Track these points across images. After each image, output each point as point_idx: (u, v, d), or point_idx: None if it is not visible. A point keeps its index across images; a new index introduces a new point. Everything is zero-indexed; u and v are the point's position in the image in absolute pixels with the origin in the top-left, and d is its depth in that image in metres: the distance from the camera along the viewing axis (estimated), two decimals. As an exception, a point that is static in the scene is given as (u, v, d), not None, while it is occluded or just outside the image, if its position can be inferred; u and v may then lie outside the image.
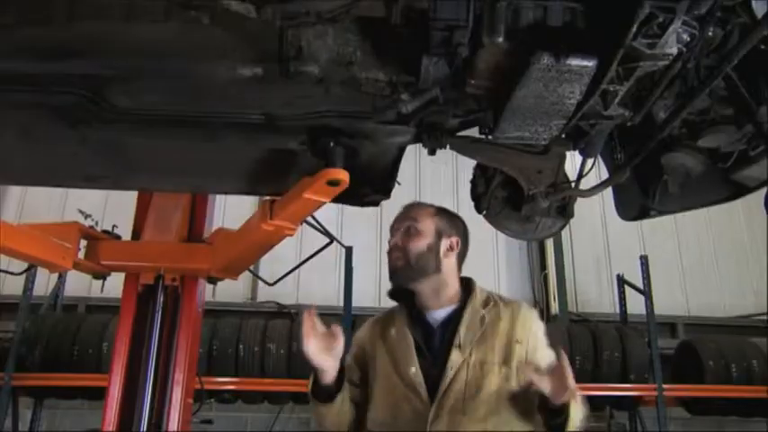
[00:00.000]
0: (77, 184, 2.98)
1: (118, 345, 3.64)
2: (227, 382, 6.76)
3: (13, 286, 7.67)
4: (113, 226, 3.80)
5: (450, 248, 2.18)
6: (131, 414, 3.59)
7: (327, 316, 7.75)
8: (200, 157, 2.66)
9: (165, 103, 2.30)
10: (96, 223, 3.81)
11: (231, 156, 2.63)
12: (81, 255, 3.50)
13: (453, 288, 2.17)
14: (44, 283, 7.24)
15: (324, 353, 2.00)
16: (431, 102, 2.22)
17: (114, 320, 6.56)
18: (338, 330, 2.04)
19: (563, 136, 2.32)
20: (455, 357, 2.02)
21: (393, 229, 2.25)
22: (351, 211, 3.07)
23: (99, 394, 6.62)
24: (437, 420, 1.96)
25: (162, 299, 3.66)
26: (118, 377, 3.58)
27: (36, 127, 2.42)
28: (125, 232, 3.84)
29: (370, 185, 2.84)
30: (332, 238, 4.75)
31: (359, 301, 7.51)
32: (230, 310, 8.17)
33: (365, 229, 8.59)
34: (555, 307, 9.95)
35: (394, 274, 2.20)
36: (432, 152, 2.48)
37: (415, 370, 2.04)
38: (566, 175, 2.78)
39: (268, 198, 2.97)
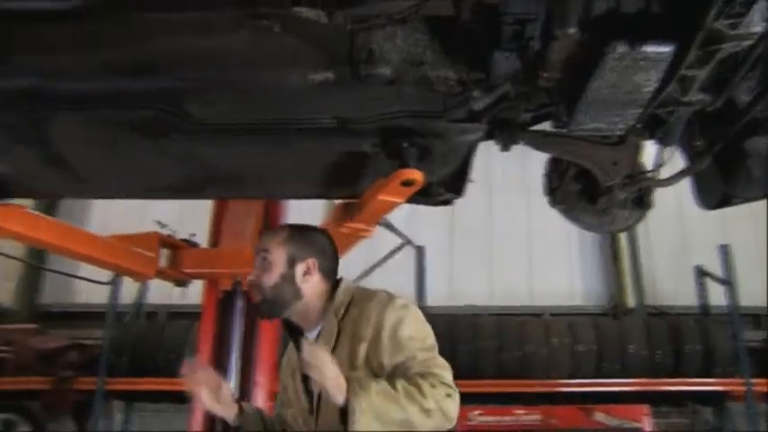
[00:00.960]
0: (159, 195, 3.08)
1: (201, 349, 3.75)
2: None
3: (99, 295, 8.02)
4: (191, 234, 3.91)
5: (307, 272, 2.09)
6: (214, 416, 3.69)
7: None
8: (275, 163, 2.70)
9: (238, 112, 2.35)
10: (174, 233, 3.94)
11: (304, 161, 2.67)
12: (163, 263, 3.62)
13: (317, 312, 2.09)
14: (128, 291, 7.49)
15: (215, 400, 2.00)
16: (502, 97, 2.20)
17: (195, 326, 6.77)
18: (216, 377, 2.04)
19: (639, 125, 2.26)
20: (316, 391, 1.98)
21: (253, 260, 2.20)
22: (420, 209, 3.08)
23: (184, 398, 6.86)
24: None
25: (241, 304, 3.76)
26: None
27: (120, 142, 2.51)
28: (201, 240, 3.95)
29: (442, 184, 2.83)
30: (406, 240, 4.77)
31: (431, 300, 7.52)
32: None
33: (435, 228, 8.59)
34: (631, 300, 9.73)
35: (256, 310, 2.19)
36: (504, 148, 2.46)
37: (303, 396, 2.04)
38: (642, 166, 2.72)
39: (342, 201, 3.00)
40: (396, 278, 8.57)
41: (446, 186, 2.89)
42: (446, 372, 1.90)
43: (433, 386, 1.81)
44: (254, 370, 3.72)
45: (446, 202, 3.02)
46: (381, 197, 2.55)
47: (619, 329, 7.70)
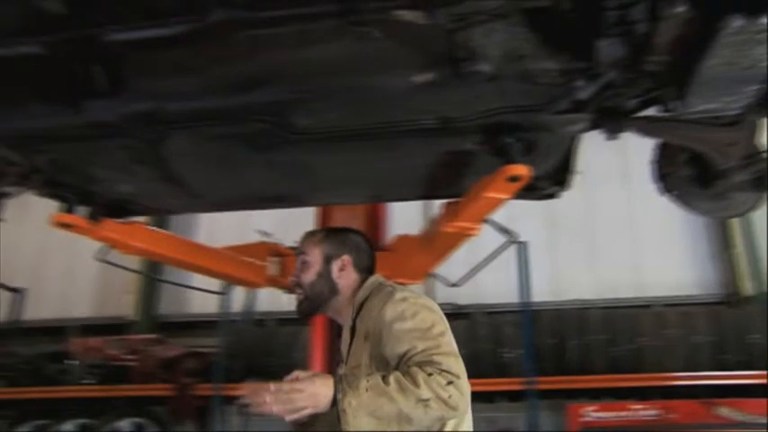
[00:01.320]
0: (266, 205, 3.18)
1: (314, 354, 3.84)
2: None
3: (212, 305, 8.36)
4: (296, 241, 3.99)
5: (342, 268, 2.22)
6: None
7: (503, 314, 7.76)
8: (379, 167, 2.74)
9: (342, 119, 2.39)
10: (280, 242, 4.04)
11: (408, 163, 2.69)
12: (272, 271, 3.72)
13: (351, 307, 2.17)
14: (238, 300, 7.75)
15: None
16: (607, 85, 2.14)
17: (303, 332, 6.94)
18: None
19: (757, 102, 2.15)
20: (341, 370, 2.09)
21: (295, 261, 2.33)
22: (520, 204, 3.04)
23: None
24: None
25: (351, 308, 3.82)
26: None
27: (230, 156, 2.61)
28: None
29: (547, 178, 2.79)
30: (512, 238, 4.71)
31: (536, 296, 7.40)
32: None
33: (533, 223, 8.44)
34: (748, 288, 9.24)
35: (298, 308, 2.27)
36: (611, 137, 2.39)
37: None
38: (761, 145, 2.58)
39: (447, 200, 3.00)
40: (497, 275, 8.50)
41: (551, 180, 2.85)
42: (449, 358, 1.81)
43: (429, 374, 1.74)
44: (367, 372, 3.77)
45: (551, 196, 2.97)
46: (487, 194, 2.54)
47: (738, 319, 7.32)
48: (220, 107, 2.30)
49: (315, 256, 2.26)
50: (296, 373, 1.85)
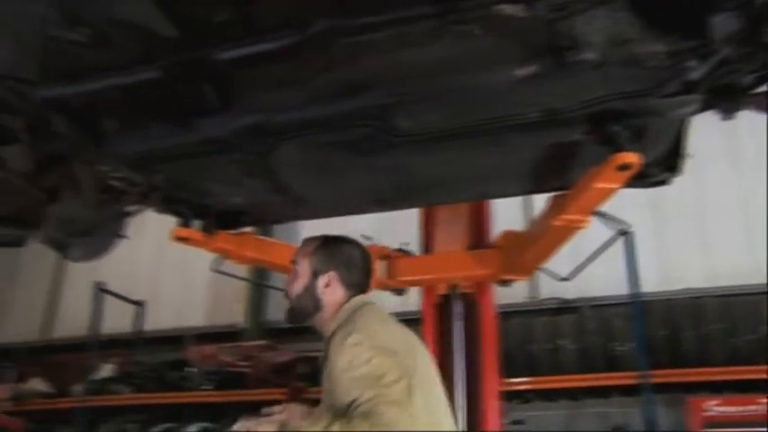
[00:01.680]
0: (369, 209, 3.22)
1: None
2: (522, 382, 6.82)
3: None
4: (403, 243, 4.04)
5: (328, 285, 2.18)
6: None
7: (612, 306, 7.48)
8: (483, 164, 2.73)
9: (444, 119, 2.39)
10: (386, 246, 4.08)
11: (513, 158, 2.66)
12: (381, 274, 3.77)
13: (336, 324, 2.11)
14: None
15: None
16: (721, 63, 2.05)
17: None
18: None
19: None
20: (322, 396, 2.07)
21: None
22: (624, 192, 2.94)
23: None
24: None
25: (459, 308, 3.82)
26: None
27: (334, 163, 2.67)
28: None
29: (657, 164, 2.70)
30: (622, 229, 4.56)
31: (645, 286, 7.13)
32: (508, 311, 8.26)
33: (641, 211, 8.15)
34: None
35: (285, 317, 2.28)
36: (726, 117, 2.29)
37: None
38: None
39: (554, 194, 2.96)
40: (603, 267, 8.24)
41: (661, 166, 2.75)
42: (394, 410, 1.77)
43: (372, 426, 1.73)
44: (480, 373, 3.76)
45: (661, 183, 2.87)
46: (597, 185, 2.48)
47: None
48: (324, 115, 2.35)
49: (304, 267, 2.25)
50: (264, 410, 2.02)
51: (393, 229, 6.25)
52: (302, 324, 2.27)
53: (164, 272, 9.92)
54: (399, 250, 3.95)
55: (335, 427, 1.75)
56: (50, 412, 8.11)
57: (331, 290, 2.21)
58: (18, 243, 3.57)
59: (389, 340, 2.00)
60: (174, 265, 9.84)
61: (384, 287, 3.81)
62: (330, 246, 2.30)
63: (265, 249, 3.27)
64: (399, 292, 4.01)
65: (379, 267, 3.72)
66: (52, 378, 8.89)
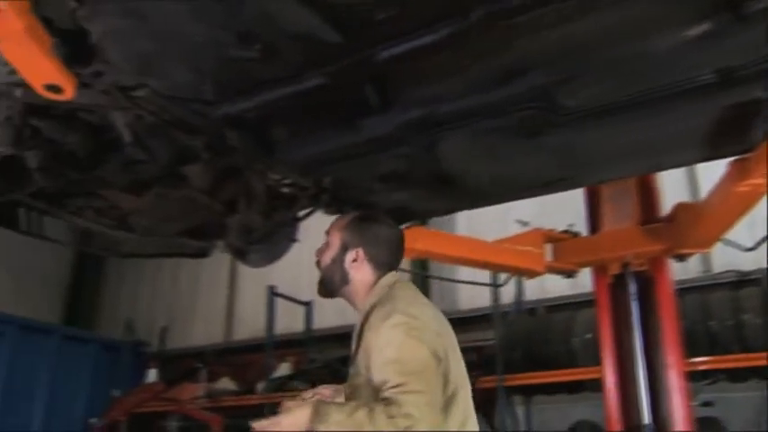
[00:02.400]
0: (537, 192, 3.16)
1: (603, 338, 3.73)
2: (705, 362, 6.41)
3: (480, 300, 8.54)
4: (569, 225, 3.94)
5: (355, 260, 2.23)
6: (627, 403, 3.65)
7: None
8: (653, 135, 2.59)
9: (611, 92, 2.30)
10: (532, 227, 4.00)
11: (686, 125, 2.51)
12: (549, 257, 3.70)
13: (364, 299, 2.21)
14: (505, 291, 7.80)
15: None
16: None
17: (578, 316, 6.80)
18: None
19: None
20: (350, 370, 2.13)
21: None
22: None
23: (577, 388, 6.94)
24: None
25: (634, 286, 3.66)
26: (610, 369, 3.66)
27: (499, 149, 2.64)
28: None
29: None
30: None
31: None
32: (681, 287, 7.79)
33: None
34: None
35: (318, 290, 2.35)
36: None
37: None
38: None
39: (733, 158, 2.76)
40: None
41: None
42: (416, 399, 1.84)
43: (390, 417, 1.81)
44: (662, 351, 3.58)
45: None
46: (787, 144, 2.28)
47: None
48: (487, 101, 2.33)
49: (335, 240, 2.32)
50: (285, 404, 2.04)
51: (555, 213, 6.15)
52: (332, 296, 2.34)
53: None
54: (566, 232, 3.85)
55: (360, 413, 1.84)
56: (239, 408, 8.66)
57: (357, 265, 2.26)
58: (203, 254, 3.84)
59: (426, 325, 2.05)
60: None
61: (553, 270, 3.73)
62: (362, 223, 2.35)
63: (436, 241, 3.30)
64: (569, 274, 3.91)
65: (546, 251, 3.65)
66: (237, 377, 9.53)
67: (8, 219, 3.64)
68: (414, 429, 1.81)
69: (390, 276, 2.27)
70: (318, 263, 2.35)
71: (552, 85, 2.26)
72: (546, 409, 8.31)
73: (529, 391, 7.52)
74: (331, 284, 2.31)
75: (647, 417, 3.53)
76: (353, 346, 2.17)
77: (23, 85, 2.12)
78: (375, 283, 2.24)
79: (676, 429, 3.45)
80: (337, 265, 2.28)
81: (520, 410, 7.78)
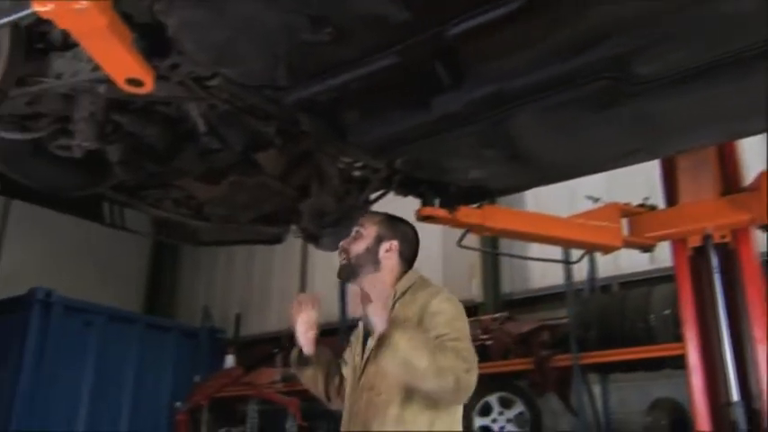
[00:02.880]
0: (612, 165, 3.09)
1: (684, 313, 3.64)
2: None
3: (552, 278, 8.44)
4: (645, 198, 3.84)
5: (389, 250, 2.51)
6: (713, 380, 3.55)
7: None
8: (733, 100, 2.50)
9: (689, 57, 2.22)
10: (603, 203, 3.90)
11: None
12: (626, 232, 3.62)
13: (388, 283, 2.46)
14: (577, 269, 7.66)
15: (304, 335, 2.54)
16: None
17: (654, 292, 6.63)
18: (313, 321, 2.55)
19: None
20: (370, 344, 2.38)
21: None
22: None
23: (656, 365, 6.78)
24: (359, 396, 2.36)
25: (715, 258, 3.55)
26: (694, 346, 3.57)
27: (572, 122, 2.59)
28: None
29: None
30: None
31: None
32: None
33: None
34: None
35: (339, 274, 2.56)
36: None
37: (359, 359, 2.45)
38: None
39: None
40: None
41: None
42: (471, 355, 2.18)
43: (457, 356, 2.11)
44: (748, 324, 3.47)
45: None
46: None
47: None
48: (560, 73, 2.28)
49: (369, 232, 2.55)
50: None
51: (624, 187, 6.01)
52: (350, 281, 2.57)
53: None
54: (641, 206, 3.76)
55: (431, 342, 2.15)
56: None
57: (389, 255, 2.52)
58: (278, 240, 3.91)
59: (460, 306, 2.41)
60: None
61: (630, 245, 3.65)
62: (395, 220, 2.63)
63: (510, 219, 3.26)
64: (647, 249, 3.82)
65: (623, 225, 3.57)
66: (313, 361, 9.63)
67: (93, 212, 3.79)
68: (472, 378, 2.12)
69: (416, 271, 2.58)
70: (346, 250, 2.56)
71: (627, 53, 2.20)
72: (623, 387, 8.16)
73: (605, 370, 7.39)
74: (359, 270, 2.53)
75: (735, 394, 3.43)
76: (377, 318, 2.27)
77: (106, 81, 2.20)
78: (400, 272, 2.53)
79: (768, 406, 3.34)
80: (371, 254, 2.52)
81: (596, 389, 7.66)
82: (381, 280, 2.49)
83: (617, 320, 6.82)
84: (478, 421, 7.01)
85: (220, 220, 3.77)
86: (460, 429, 2.32)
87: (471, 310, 9.32)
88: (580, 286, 7.85)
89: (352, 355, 2.57)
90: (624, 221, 3.63)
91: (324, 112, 2.70)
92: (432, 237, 10.15)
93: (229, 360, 10.42)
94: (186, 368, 10.36)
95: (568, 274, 7.15)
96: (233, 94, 2.49)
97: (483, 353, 7.58)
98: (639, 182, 7.03)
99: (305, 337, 2.57)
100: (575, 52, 2.20)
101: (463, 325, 2.31)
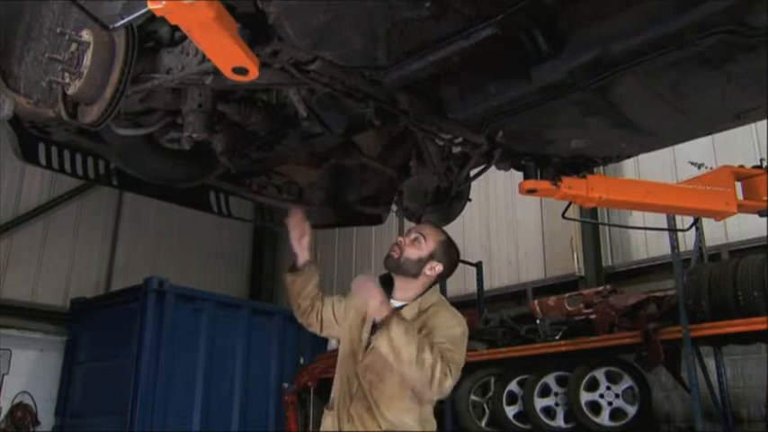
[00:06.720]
0: (726, 126, 2.94)
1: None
2: None
3: (653, 249, 8.17)
4: (761, 159, 3.63)
5: (432, 269, 2.80)
6: None
7: None
8: None
9: None
10: (707, 168, 3.71)
11: None
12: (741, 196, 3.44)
13: (415, 293, 2.81)
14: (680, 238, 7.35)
15: (298, 242, 3.00)
16: None
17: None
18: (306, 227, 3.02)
19: None
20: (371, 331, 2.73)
21: (409, 231, 2.91)
22: None
23: (775, 337, 6.43)
24: (362, 375, 2.71)
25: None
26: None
27: (683, 82, 2.47)
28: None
29: None
30: None
31: None
32: None
33: None
34: None
35: (385, 260, 2.87)
36: None
37: (366, 335, 2.77)
38: None
39: None
40: None
41: None
42: (458, 362, 2.56)
43: (442, 358, 2.47)
44: None
45: None
46: None
47: None
48: (666, 33, 2.18)
49: (428, 245, 2.80)
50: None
51: (725, 152, 5.72)
52: (393, 273, 2.86)
53: (493, 234, 10.25)
54: (757, 167, 3.55)
55: (423, 340, 2.49)
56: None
57: (431, 273, 2.80)
58: (378, 220, 3.95)
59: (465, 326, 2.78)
60: (502, 226, 10.14)
61: (747, 210, 3.46)
62: (451, 247, 2.89)
63: (616, 188, 3.15)
64: (764, 213, 3.61)
65: (738, 189, 3.39)
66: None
67: (201, 202, 3.94)
68: (446, 382, 2.46)
69: (437, 290, 2.88)
70: (401, 248, 2.82)
71: (741, 3, 2.08)
72: (739, 360, 7.83)
73: (718, 342, 7.08)
74: (401, 270, 2.82)
75: None
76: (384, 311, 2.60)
77: (212, 72, 2.28)
78: (427, 287, 2.82)
79: None
80: (419, 264, 2.79)
81: (709, 363, 7.35)
82: (414, 287, 2.81)
83: (730, 290, 6.51)
84: (585, 396, 6.89)
85: (322, 203, 3.84)
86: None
87: (572, 284, 9.18)
88: (686, 256, 7.53)
89: (348, 323, 2.91)
90: (738, 185, 3.43)
91: (423, 90, 2.70)
92: (530, 212, 10.08)
93: (333, 343, 10.63)
94: (292, 351, 10.65)
95: (676, 244, 6.86)
96: (333, 77, 2.52)
97: (587, 327, 7.43)
98: (739, 145, 6.67)
99: (298, 244, 2.99)
100: (682, 8, 2.10)
101: (461, 342, 2.66)
